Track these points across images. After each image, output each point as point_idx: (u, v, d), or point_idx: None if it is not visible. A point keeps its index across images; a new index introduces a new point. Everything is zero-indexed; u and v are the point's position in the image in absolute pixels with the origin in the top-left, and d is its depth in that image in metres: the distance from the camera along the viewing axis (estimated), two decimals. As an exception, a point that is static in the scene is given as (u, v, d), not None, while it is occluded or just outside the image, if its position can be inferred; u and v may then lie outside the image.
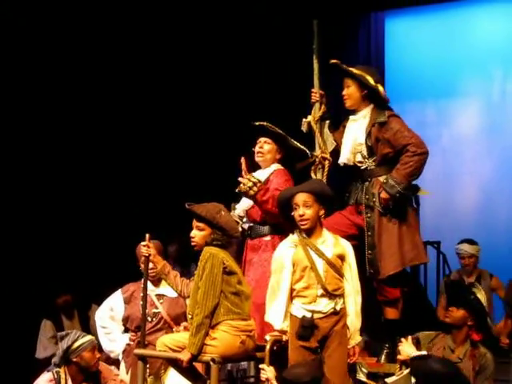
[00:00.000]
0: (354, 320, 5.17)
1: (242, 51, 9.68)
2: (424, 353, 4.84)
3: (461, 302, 5.32)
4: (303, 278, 5.13)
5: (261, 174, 5.89)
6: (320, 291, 5.08)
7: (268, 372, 4.91)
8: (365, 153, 5.71)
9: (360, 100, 5.77)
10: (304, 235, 5.17)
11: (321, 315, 5.08)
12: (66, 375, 5.69)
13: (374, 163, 5.70)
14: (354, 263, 5.23)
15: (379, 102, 5.75)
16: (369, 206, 5.66)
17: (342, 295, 5.14)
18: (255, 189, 5.65)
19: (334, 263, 5.11)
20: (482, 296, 5.42)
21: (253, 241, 5.89)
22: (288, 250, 5.20)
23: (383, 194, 5.60)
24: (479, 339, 5.37)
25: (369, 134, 5.67)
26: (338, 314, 5.11)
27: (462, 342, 5.32)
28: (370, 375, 5.43)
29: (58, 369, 5.71)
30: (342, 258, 5.16)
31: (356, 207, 5.78)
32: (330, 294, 5.08)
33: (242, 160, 5.76)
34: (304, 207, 5.13)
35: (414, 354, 4.87)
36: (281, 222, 5.62)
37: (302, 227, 5.15)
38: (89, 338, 5.83)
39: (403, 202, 5.62)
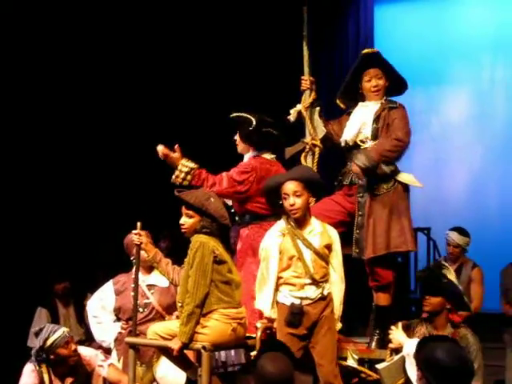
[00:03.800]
0: (337, 307, 5.21)
1: (231, 40, 9.67)
2: (416, 340, 4.85)
3: (436, 289, 5.30)
4: (291, 266, 5.13)
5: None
6: (308, 280, 5.09)
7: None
8: (368, 134, 5.65)
9: (383, 93, 5.78)
10: (292, 223, 5.16)
11: (309, 301, 5.09)
12: (48, 370, 5.62)
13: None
14: (339, 251, 5.23)
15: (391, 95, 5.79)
16: (362, 186, 5.63)
17: (327, 280, 5.15)
18: (189, 177, 5.60)
19: (321, 253, 5.11)
20: (452, 276, 5.40)
21: (240, 230, 5.89)
22: (275, 238, 5.18)
23: (353, 167, 5.57)
24: (461, 320, 5.35)
25: (378, 117, 5.65)
26: (326, 299, 5.12)
27: (442, 326, 5.27)
28: (360, 361, 5.43)
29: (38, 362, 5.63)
30: (328, 247, 5.16)
31: (348, 189, 5.74)
32: (318, 282, 5.10)
33: (176, 147, 5.70)
34: (294, 196, 5.10)
35: (406, 341, 4.90)
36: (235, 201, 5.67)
37: (293, 216, 5.14)
38: (60, 332, 5.57)
39: (376, 177, 5.56)
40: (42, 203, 9.15)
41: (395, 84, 5.82)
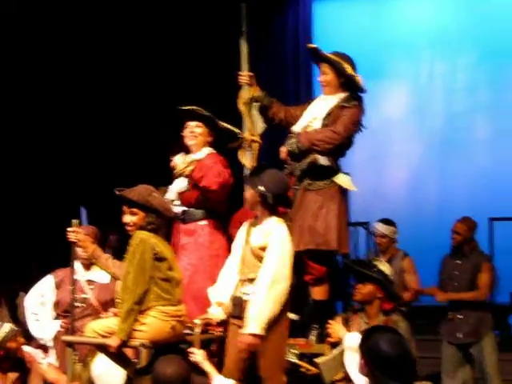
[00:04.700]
0: (251, 309, 4.89)
1: (170, 35, 9.65)
2: (355, 333, 4.89)
3: (365, 277, 5.31)
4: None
5: (193, 157, 5.87)
6: (242, 276, 5.06)
7: (197, 355, 4.88)
8: (317, 128, 5.66)
9: (338, 87, 5.71)
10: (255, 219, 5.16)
11: (248, 297, 5.08)
12: None
13: None
14: (272, 253, 4.93)
15: (354, 92, 5.72)
16: (298, 177, 5.64)
17: None
18: (190, 167, 5.65)
19: (255, 252, 5.02)
20: (385, 267, 5.39)
21: (186, 225, 5.85)
22: (242, 230, 5.20)
23: (283, 148, 5.63)
24: (391, 308, 5.36)
25: (330, 114, 5.64)
26: None
27: (375, 315, 5.24)
28: (300, 356, 5.45)
29: None
30: (263, 248, 5.02)
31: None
32: (251, 280, 5.00)
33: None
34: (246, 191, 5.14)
35: (345, 334, 4.92)
36: (221, 198, 5.71)
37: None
38: (9, 327, 5.58)
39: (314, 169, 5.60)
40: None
41: (352, 82, 5.72)
